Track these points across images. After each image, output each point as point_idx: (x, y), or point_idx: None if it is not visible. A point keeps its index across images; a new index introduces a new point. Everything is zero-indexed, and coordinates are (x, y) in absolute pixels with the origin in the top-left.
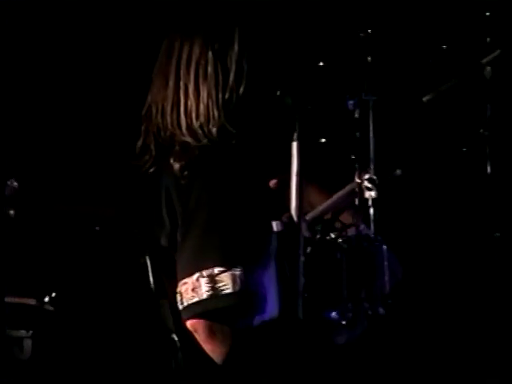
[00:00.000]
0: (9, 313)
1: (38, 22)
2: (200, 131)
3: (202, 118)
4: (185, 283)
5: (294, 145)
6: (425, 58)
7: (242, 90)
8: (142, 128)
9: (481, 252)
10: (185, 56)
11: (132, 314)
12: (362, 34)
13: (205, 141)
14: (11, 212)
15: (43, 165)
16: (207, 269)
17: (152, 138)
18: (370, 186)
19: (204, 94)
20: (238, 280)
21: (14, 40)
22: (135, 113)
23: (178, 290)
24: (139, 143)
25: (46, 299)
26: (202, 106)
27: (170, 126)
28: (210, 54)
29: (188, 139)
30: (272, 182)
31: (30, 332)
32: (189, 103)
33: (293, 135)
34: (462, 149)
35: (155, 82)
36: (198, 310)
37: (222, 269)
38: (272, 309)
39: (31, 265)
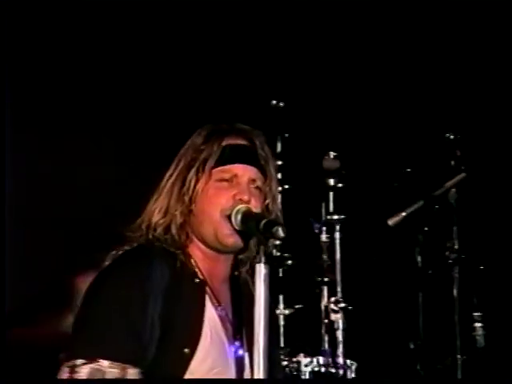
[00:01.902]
0: None
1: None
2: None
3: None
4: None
5: (259, 267)
6: (390, 181)
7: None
8: None
9: None
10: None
11: None
12: (325, 158)
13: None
14: None
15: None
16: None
17: None
18: (336, 308)
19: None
20: (98, 373)
21: None
22: None
23: None
24: None
25: None
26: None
27: None
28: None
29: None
30: None
31: None
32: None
33: (258, 258)
34: (427, 271)
35: None
36: None
37: (83, 361)
38: None
39: None
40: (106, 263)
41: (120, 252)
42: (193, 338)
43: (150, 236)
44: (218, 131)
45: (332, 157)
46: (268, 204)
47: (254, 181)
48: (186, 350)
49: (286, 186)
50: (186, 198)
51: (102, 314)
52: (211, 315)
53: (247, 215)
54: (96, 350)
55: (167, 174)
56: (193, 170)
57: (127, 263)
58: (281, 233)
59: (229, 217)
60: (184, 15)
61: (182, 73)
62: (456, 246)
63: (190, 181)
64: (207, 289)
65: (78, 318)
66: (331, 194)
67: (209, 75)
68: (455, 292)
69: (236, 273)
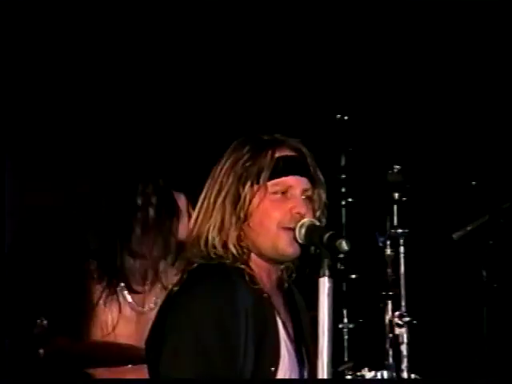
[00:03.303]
0: None
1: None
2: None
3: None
4: None
5: (323, 281)
6: (455, 195)
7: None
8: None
9: None
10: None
11: None
12: (390, 171)
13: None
14: (41, 351)
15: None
16: None
17: None
18: (400, 322)
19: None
20: None
21: None
22: None
23: None
24: None
25: None
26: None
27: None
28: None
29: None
30: None
31: None
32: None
33: (322, 271)
34: (492, 285)
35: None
36: None
37: None
38: None
39: None
40: (180, 283)
41: (196, 271)
42: (276, 355)
43: (212, 254)
44: (266, 143)
45: (396, 170)
46: (318, 213)
47: (305, 191)
48: (273, 369)
49: (350, 200)
50: (242, 213)
51: (197, 342)
52: (281, 329)
53: (311, 229)
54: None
55: (215, 189)
56: (248, 184)
57: (213, 285)
58: (345, 246)
59: (293, 230)
60: (243, 31)
61: (246, 86)
62: None
63: (246, 195)
64: (273, 303)
65: (168, 344)
66: (395, 207)
67: (273, 89)
68: None
69: (288, 283)
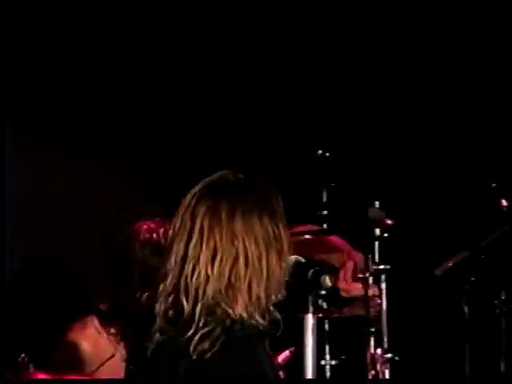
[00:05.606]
0: None
1: None
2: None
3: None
4: None
5: (308, 317)
6: (436, 231)
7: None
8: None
9: None
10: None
11: None
12: (370, 207)
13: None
14: None
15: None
16: None
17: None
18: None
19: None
20: None
21: None
22: None
23: None
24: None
25: None
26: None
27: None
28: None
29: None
30: (283, 356)
31: None
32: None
33: (306, 308)
34: (474, 322)
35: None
36: None
37: None
38: None
39: None
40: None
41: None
42: None
43: (254, 322)
44: (270, 185)
45: (377, 207)
46: None
47: None
48: None
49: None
50: (286, 261)
51: None
52: None
53: (296, 266)
54: None
55: (252, 248)
56: (284, 230)
57: (255, 353)
58: (328, 282)
59: None
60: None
61: (227, 120)
62: (503, 297)
63: (287, 242)
64: None
65: None
66: (377, 244)
67: (254, 125)
68: (503, 343)
69: None
